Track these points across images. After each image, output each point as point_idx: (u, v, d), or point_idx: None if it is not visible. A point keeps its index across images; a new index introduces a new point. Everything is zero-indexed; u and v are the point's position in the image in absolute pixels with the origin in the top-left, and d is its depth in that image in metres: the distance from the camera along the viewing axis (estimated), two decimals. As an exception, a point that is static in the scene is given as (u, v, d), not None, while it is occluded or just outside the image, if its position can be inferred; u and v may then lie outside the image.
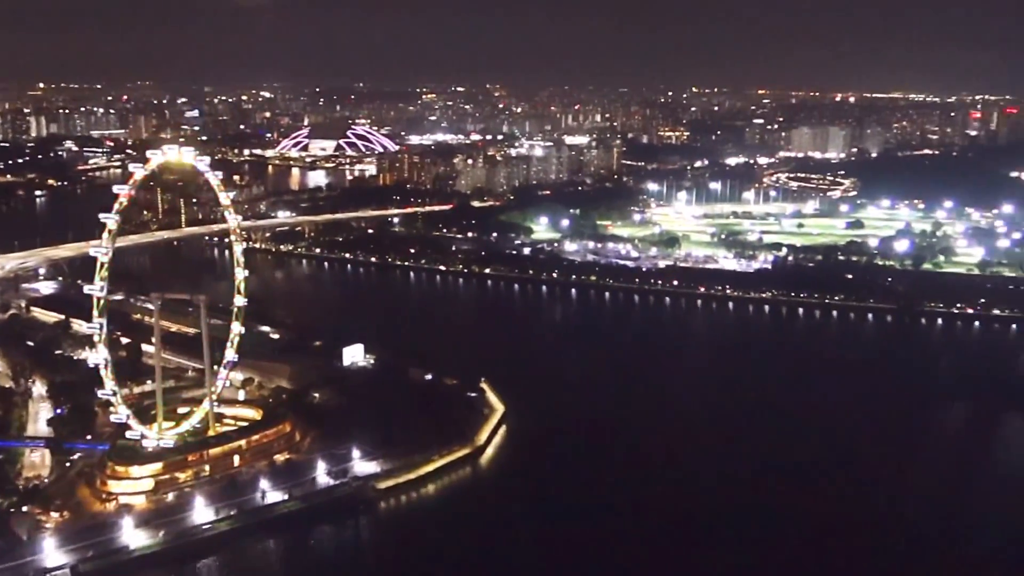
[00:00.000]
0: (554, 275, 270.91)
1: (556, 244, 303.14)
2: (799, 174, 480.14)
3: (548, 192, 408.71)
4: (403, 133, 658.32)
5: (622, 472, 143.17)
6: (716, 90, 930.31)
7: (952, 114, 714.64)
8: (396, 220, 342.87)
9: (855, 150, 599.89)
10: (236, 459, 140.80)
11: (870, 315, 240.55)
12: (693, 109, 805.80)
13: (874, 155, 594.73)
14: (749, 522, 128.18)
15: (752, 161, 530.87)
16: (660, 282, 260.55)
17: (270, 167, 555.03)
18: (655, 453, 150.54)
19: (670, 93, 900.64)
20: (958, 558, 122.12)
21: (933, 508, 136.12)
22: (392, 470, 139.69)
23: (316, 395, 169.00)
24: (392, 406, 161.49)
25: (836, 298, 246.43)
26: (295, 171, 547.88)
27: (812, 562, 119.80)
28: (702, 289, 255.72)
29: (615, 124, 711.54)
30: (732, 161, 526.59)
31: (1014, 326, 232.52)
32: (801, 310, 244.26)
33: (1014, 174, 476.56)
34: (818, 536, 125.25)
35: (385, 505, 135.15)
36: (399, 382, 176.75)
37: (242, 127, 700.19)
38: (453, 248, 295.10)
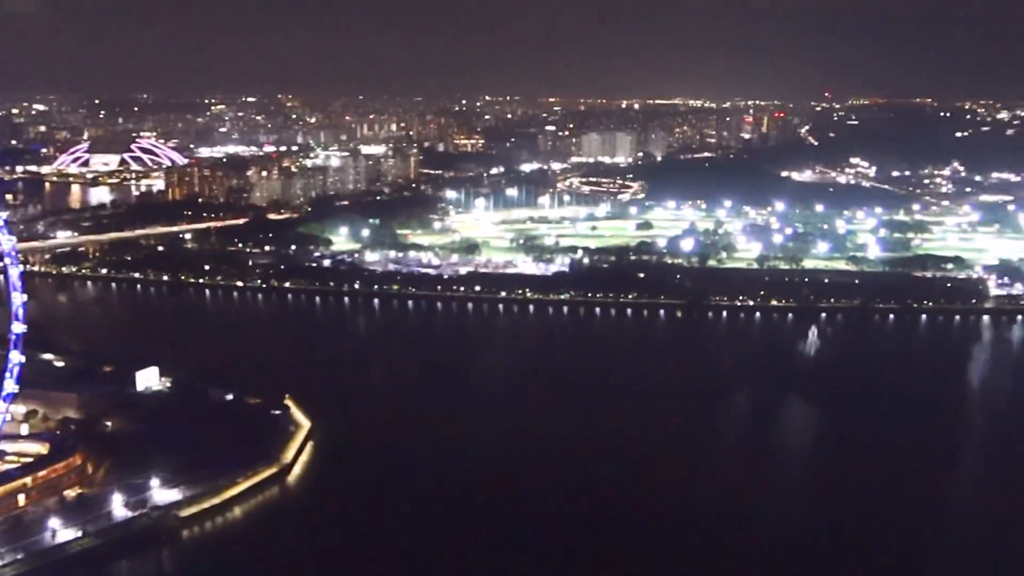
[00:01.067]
0: (355, 286, 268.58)
1: (356, 255, 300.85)
2: (590, 178, 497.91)
3: (346, 203, 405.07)
4: (192, 146, 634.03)
5: (431, 482, 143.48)
6: (509, 98, 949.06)
7: (728, 119, 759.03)
8: (188, 236, 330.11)
9: (641, 154, 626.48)
10: (21, 498, 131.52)
11: (662, 311, 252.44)
12: (487, 117, 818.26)
13: (659, 159, 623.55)
14: (559, 523, 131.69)
15: (546, 167, 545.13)
16: (462, 288, 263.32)
17: (47, 184, 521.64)
18: (462, 459, 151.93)
19: (464, 102, 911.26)
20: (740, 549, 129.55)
21: (724, 497, 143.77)
22: (195, 496, 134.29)
23: (108, 424, 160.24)
24: (192, 430, 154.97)
25: (630, 296, 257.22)
26: (75, 188, 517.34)
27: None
28: (503, 293, 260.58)
29: (411, 133, 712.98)
30: (527, 167, 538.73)
31: (790, 315, 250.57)
32: (598, 309, 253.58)
33: (784, 174, 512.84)
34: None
35: (189, 533, 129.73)
36: (198, 404, 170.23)
37: (13, 142, 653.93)
38: (250, 263, 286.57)
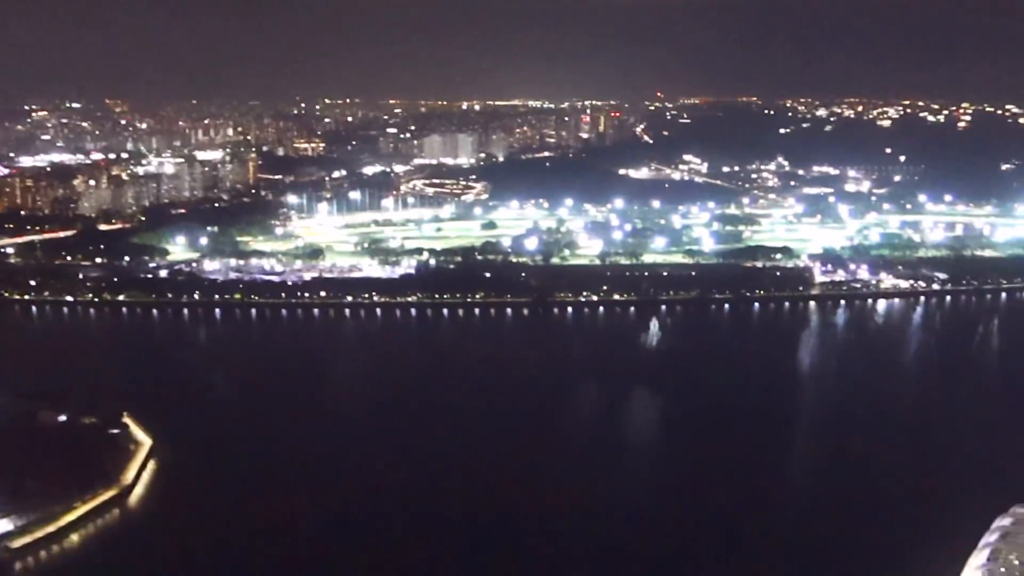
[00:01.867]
0: (195, 296, 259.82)
1: (195, 264, 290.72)
2: (434, 180, 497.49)
3: (183, 211, 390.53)
4: (11, 155, 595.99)
5: (280, 497, 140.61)
6: (348, 101, 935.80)
7: (566, 119, 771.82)
8: (11, 251, 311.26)
9: (483, 155, 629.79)
10: None
11: (509, 309, 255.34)
12: (327, 120, 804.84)
13: (501, 159, 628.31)
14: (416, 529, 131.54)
15: (389, 169, 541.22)
16: (307, 295, 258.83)
17: None
18: (311, 472, 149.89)
19: (303, 105, 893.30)
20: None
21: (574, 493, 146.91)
22: (27, 525, 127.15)
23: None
24: (21, 455, 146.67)
25: (477, 296, 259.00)
26: None
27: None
28: (349, 298, 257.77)
29: (248, 138, 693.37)
30: (369, 170, 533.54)
31: (632, 308, 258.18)
32: (446, 310, 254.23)
33: (622, 172, 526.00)
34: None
35: (22, 566, 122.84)
36: (28, 428, 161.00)
37: None
38: (80, 276, 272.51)
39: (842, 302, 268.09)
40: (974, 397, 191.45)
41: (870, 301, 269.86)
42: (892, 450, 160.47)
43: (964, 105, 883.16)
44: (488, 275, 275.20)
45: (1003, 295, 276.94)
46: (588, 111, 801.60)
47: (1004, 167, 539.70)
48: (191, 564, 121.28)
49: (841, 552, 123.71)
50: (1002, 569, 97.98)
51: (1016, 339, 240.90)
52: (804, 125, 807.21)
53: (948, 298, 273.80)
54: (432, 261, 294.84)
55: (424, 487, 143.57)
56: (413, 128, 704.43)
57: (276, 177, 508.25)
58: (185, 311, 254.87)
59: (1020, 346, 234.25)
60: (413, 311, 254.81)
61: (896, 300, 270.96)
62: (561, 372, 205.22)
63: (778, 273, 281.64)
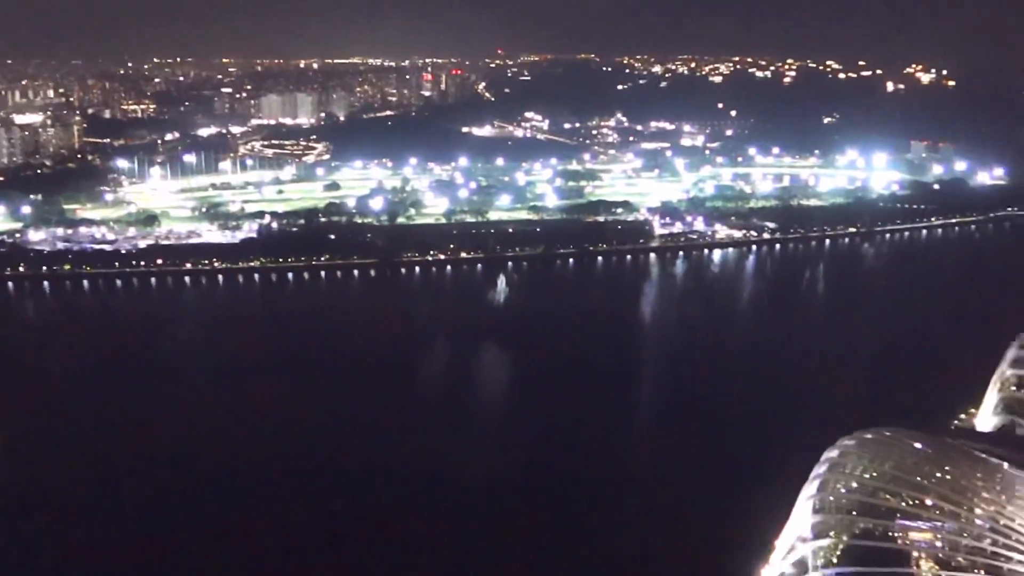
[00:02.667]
0: (20, 270, 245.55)
1: (17, 235, 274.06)
2: (273, 141, 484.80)
3: (2, 179, 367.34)
4: None
5: (106, 474, 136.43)
6: (180, 60, 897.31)
7: (408, 77, 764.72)
8: None
9: (324, 115, 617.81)
10: None
11: (356, 271, 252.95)
12: (157, 80, 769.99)
13: (342, 119, 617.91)
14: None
15: (225, 131, 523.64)
16: (143, 263, 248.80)
17: None
18: (148, 453, 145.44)
19: (130, 64, 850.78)
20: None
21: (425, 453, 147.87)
22: None
23: None
24: None
25: (322, 259, 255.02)
26: None
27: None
28: (188, 265, 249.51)
29: (72, 100, 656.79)
30: (204, 132, 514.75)
31: (479, 266, 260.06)
32: (291, 274, 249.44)
33: (465, 130, 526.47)
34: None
35: None
36: None
37: None
38: None
39: (680, 253, 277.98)
40: (804, 338, 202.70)
41: (706, 251, 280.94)
42: (731, 392, 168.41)
43: (789, 61, 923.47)
44: (333, 237, 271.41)
45: (827, 242, 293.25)
46: (429, 69, 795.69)
47: (826, 120, 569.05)
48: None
49: (684, 490, 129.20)
50: (830, 498, 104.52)
51: (840, 282, 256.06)
52: (641, 82, 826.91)
53: (778, 246, 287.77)
54: (274, 224, 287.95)
55: (264, 444, 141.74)
56: (249, 88, 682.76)
57: (104, 141, 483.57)
58: (9, 285, 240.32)
59: (844, 289, 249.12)
60: (256, 276, 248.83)
61: (730, 249, 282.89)
62: (409, 332, 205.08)
63: (619, 227, 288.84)
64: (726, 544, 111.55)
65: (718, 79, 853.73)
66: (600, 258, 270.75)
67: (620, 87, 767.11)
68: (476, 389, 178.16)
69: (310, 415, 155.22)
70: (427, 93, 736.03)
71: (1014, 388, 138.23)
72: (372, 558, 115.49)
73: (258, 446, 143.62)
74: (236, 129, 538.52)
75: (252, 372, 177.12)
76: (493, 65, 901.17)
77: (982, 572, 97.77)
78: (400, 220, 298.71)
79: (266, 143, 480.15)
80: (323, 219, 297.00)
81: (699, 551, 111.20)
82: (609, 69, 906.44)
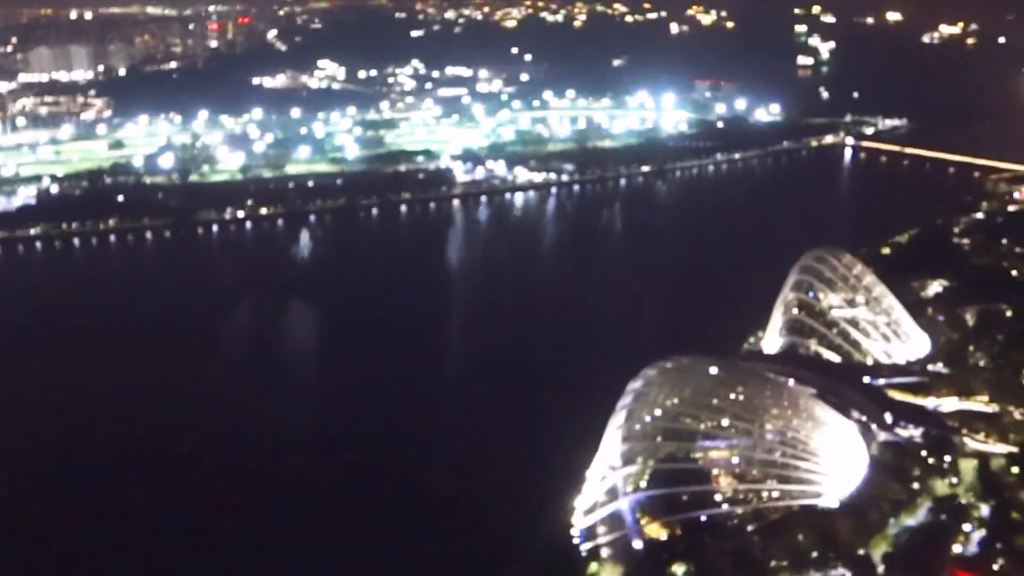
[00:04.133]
0: None
1: None
2: (46, 98, 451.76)
3: None
4: None
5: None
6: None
7: (191, 26, 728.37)
8: None
9: (101, 69, 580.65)
10: None
11: (148, 233, 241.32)
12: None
13: (122, 72, 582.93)
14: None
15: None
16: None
17: None
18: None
19: None
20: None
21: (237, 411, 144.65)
22: None
23: None
24: None
25: (111, 223, 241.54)
26: None
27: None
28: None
29: None
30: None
31: (280, 221, 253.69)
32: (77, 240, 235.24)
33: (257, 81, 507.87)
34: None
35: None
36: None
37: None
38: None
39: (483, 199, 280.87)
40: (606, 276, 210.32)
41: (509, 195, 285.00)
42: (538, 333, 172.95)
43: (579, 5, 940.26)
44: (121, 199, 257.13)
45: (623, 181, 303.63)
46: (215, 17, 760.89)
47: (616, 63, 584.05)
48: None
49: (498, 432, 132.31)
50: (636, 426, 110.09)
51: (637, 220, 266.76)
52: (435, 28, 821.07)
53: (577, 187, 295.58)
54: (54, 188, 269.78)
55: (55, 424, 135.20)
56: (15, 40, 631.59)
57: None
58: None
59: (641, 226, 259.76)
60: (39, 244, 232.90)
61: (532, 193, 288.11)
62: (209, 294, 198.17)
63: (422, 175, 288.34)
64: (542, 479, 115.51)
65: (511, 24, 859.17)
66: (404, 207, 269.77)
67: (414, 33, 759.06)
68: (283, 348, 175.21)
69: (103, 389, 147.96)
70: (213, 43, 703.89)
71: (795, 311, 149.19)
72: (177, 530, 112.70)
73: (48, 424, 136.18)
74: (2, 86, 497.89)
75: (38, 347, 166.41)
76: (282, 12, 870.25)
77: (774, 481, 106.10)
78: (193, 178, 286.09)
79: (39, 100, 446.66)
80: (109, 180, 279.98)
81: (516, 488, 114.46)
82: (403, 15, 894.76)
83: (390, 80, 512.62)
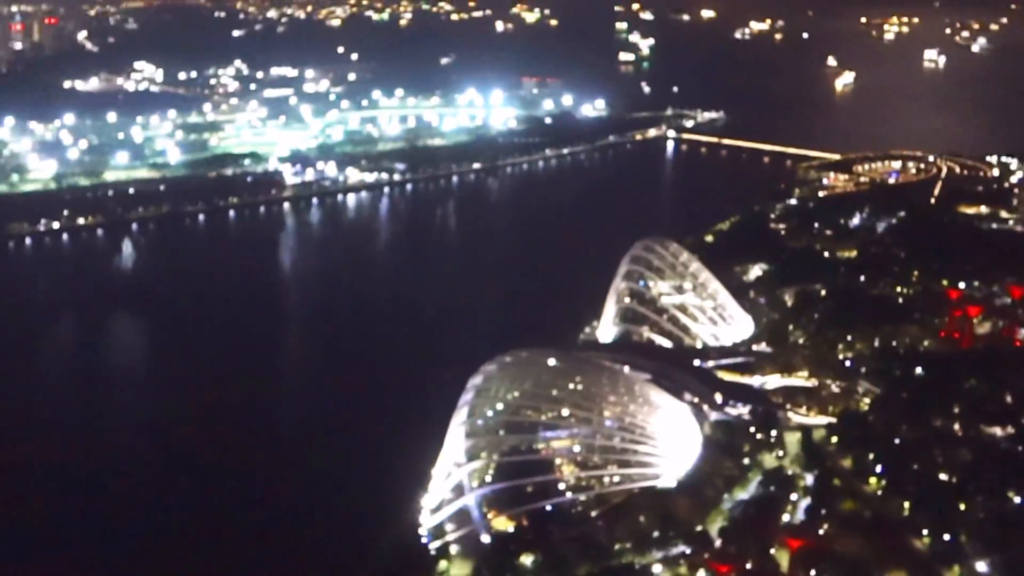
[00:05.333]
0: None
1: None
2: None
3: None
4: None
5: None
6: None
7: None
8: None
9: None
10: None
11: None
12: None
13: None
14: None
15: None
16: None
17: None
18: None
19: None
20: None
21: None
22: None
23: None
24: None
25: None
26: None
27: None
28: None
29: None
30: None
31: (101, 231, 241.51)
32: None
33: (68, 84, 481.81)
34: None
35: None
36: None
37: None
38: None
39: (315, 201, 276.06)
40: (442, 274, 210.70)
41: (340, 197, 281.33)
42: (378, 336, 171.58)
43: (404, 3, 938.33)
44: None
45: (455, 179, 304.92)
46: (19, 18, 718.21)
47: (443, 61, 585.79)
48: None
49: (342, 436, 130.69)
50: (479, 421, 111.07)
51: (470, 218, 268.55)
52: (257, 27, 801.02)
53: (409, 187, 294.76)
54: None
55: None
56: None
57: None
58: None
59: (475, 223, 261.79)
60: None
61: (364, 193, 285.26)
62: (24, 314, 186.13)
63: (249, 179, 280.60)
64: (388, 481, 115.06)
65: (336, 22, 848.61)
66: (232, 213, 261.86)
67: (236, 33, 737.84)
68: (110, 365, 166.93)
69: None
70: (18, 46, 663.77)
71: (627, 299, 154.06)
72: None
73: None
74: None
75: None
76: (93, 12, 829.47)
77: (615, 466, 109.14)
78: (1, 188, 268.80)
79: None
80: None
81: (362, 493, 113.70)
82: (223, 14, 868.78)
83: (212, 81, 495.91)
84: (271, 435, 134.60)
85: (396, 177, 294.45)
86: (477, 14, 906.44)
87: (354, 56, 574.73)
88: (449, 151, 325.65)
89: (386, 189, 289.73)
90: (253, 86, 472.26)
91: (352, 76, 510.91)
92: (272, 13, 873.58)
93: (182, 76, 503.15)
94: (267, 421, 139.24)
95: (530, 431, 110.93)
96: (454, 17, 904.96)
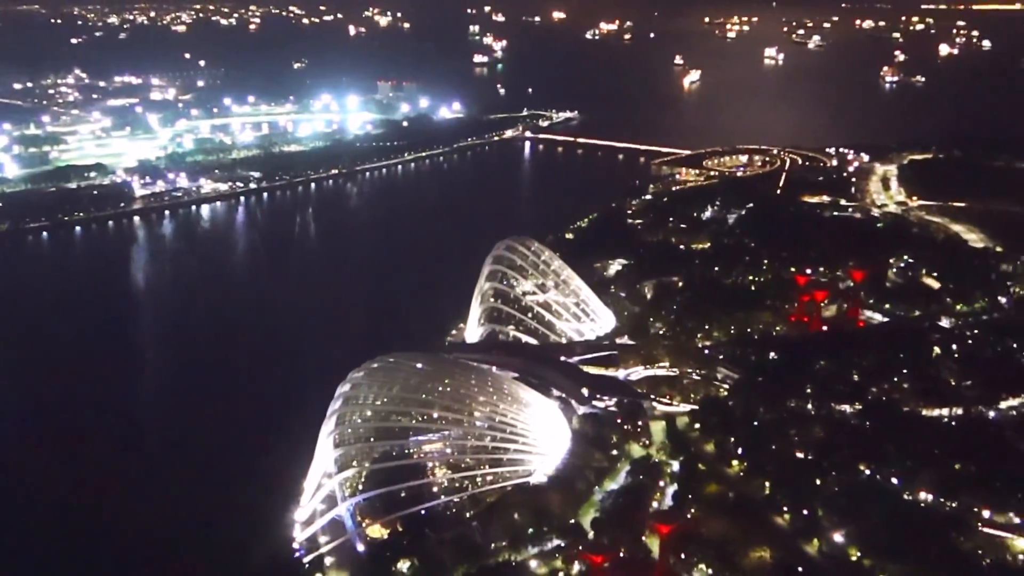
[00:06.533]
0: None
1: None
2: None
3: None
4: None
5: None
6: None
7: None
8: None
9: None
10: None
11: None
12: None
13: None
14: None
15: None
16: None
17: None
18: None
19: None
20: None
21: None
22: None
23: None
24: None
25: None
26: None
27: None
28: None
29: None
30: None
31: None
32: None
33: None
34: None
35: None
36: None
37: None
38: None
39: (167, 213, 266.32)
40: (304, 283, 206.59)
41: (194, 208, 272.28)
42: (241, 348, 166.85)
43: (252, 8, 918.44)
44: None
45: (313, 185, 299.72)
46: None
47: (296, 65, 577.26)
48: None
49: (210, 453, 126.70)
50: (348, 430, 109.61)
51: (330, 224, 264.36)
52: (97, 34, 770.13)
53: (265, 195, 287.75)
54: None
55: None
56: None
57: None
58: None
59: (335, 230, 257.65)
60: None
61: (219, 203, 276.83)
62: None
63: (95, 192, 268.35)
64: (258, 497, 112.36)
65: (182, 28, 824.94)
66: (79, 228, 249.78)
67: (75, 40, 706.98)
68: None
69: None
70: None
71: (492, 299, 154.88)
72: None
73: None
74: None
75: None
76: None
77: (487, 466, 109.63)
78: None
79: None
80: None
81: (233, 510, 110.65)
82: (59, 21, 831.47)
83: (51, 92, 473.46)
84: (127, 462, 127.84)
85: (252, 185, 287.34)
86: (328, 18, 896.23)
87: (202, 62, 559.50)
88: (306, 157, 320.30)
89: (242, 198, 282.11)
90: (95, 95, 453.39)
91: (201, 83, 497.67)
92: (113, 19, 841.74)
93: (17, 87, 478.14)
94: (123, 447, 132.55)
95: (401, 436, 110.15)
96: (305, 21, 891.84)
